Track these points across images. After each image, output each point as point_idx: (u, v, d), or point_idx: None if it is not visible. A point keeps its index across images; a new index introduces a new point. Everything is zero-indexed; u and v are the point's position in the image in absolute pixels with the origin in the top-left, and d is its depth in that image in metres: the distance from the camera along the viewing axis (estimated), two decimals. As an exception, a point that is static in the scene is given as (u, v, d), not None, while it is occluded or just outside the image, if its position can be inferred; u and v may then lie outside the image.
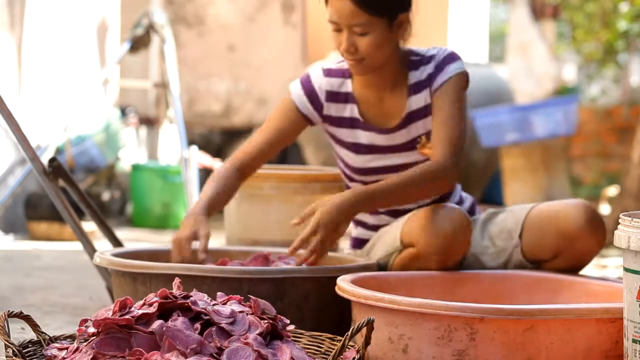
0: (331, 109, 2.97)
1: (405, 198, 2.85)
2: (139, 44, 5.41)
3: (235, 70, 8.97)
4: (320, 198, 3.45)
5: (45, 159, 3.52)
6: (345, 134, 2.98)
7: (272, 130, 2.97)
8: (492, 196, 7.62)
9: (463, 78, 2.92)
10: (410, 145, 2.95)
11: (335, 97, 2.97)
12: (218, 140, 9.32)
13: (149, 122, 8.31)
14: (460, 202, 3.08)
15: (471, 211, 3.09)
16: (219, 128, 9.17)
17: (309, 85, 2.98)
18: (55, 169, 3.38)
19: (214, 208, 2.90)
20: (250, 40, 8.96)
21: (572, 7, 11.31)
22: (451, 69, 2.91)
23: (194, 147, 5.55)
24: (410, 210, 2.94)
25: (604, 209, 8.38)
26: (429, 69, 2.92)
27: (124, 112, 7.59)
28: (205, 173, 7.68)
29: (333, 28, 2.82)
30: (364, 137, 2.96)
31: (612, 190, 8.94)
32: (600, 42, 11.07)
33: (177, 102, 5.46)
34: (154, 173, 7.07)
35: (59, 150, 6.19)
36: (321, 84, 2.98)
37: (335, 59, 3.04)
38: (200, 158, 7.33)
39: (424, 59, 2.94)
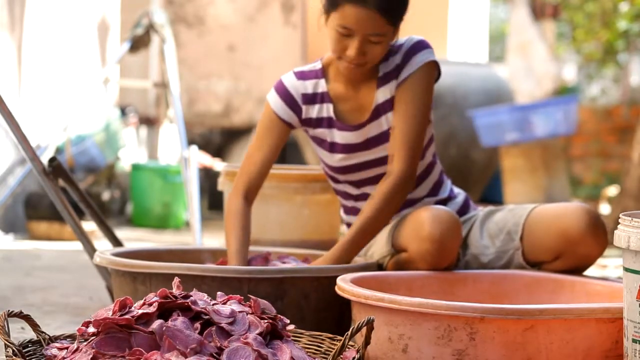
0: (309, 112, 2.97)
1: (379, 227, 2.86)
2: (139, 43, 5.41)
3: (235, 70, 8.98)
4: (320, 198, 3.46)
5: (45, 159, 3.52)
6: (323, 134, 2.98)
7: (264, 147, 2.95)
8: (492, 196, 7.62)
9: (431, 68, 2.90)
10: (383, 139, 2.93)
11: (311, 99, 2.96)
12: (218, 140, 9.32)
13: (149, 122, 8.32)
14: (451, 197, 3.07)
15: (465, 207, 3.08)
16: (219, 128, 9.17)
17: (285, 91, 2.96)
18: (55, 169, 3.38)
19: (245, 256, 2.88)
20: (250, 40, 8.96)
21: (572, 7, 11.31)
22: (418, 60, 2.89)
23: (194, 147, 5.55)
24: (403, 209, 2.95)
25: (604, 209, 8.38)
26: (396, 59, 2.91)
27: (124, 112, 7.60)
28: (205, 173, 7.70)
29: (343, 32, 2.78)
30: (338, 136, 2.95)
31: (612, 190, 8.95)
32: (600, 42, 11.08)
33: (177, 101, 5.46)
34: (154, 173, 7.08)
35: (59, 150, 6.20)
36: (296, 87, 2.96)
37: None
38: (200, 158, 7.35)
39: (393, 49, 2.92)
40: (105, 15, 7.48)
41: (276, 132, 2.96)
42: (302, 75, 2.98)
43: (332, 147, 2.97)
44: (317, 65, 2.98)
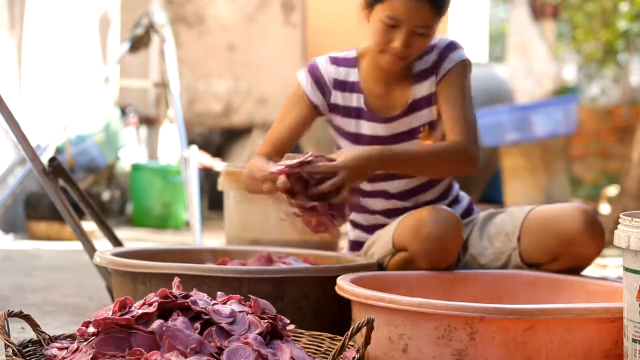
0: (338, 98, 2.97)
1: (426, 167, 2.84)
2: (139, 43, 5.41)
3: (235, 70, 8.98)
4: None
5: (45, 159, 3.52)
6: (349, 123, 2.98)
7: (287, 125, 2.95)
8: (492, 196, 7.62)
9: (467, 65, 2.95)
10: (411, 135, 2.95)
11: (342, 85, 2.97)
12: (218, 140, 9.32)
13: (149, 122, 8.32)
14: (456, 201, 3.07)
15: (468, 210, 3.09)
16: (219, 128, 9.17)
17: (316, 73, 2.97)
18: (55, 169, 3.38)
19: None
20: (250, 40, 8.96)
21: (572, 7, 11.31)
22: (455, 57, 2.93)
23: (194, 147, 5.55)
24: (406, 211, 2.95)
25: (604, 209, 8.38)
26: (432, 57, 2.94)
27: (124, 112, 7.60)
28: (205, 173, 7.70)
29: (389, 23, 2.79)
30: (366, 127, 2.95)
31: (612, 190, 8.95)
32: (600, 42, 11.08)
33: (177, 101, 5.46)
34: (154, 173, 7.08)
35: (59, 150, 6.20)
36: (329, 71, 2.97)
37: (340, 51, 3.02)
38: (200, 158, 7.34)
39: (427, 48, 2.94)
40: (105, 15, 7.48)
41: (302, 108, 2.96)
42: (335, 61, 2.98)
43: (357, 139, 2.97)
44: (352, 54, 2.99)
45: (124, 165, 7.46)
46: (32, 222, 5.97)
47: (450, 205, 3.04)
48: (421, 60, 2.94)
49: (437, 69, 2.93)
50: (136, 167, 7.18)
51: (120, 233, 4.12)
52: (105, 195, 6.71)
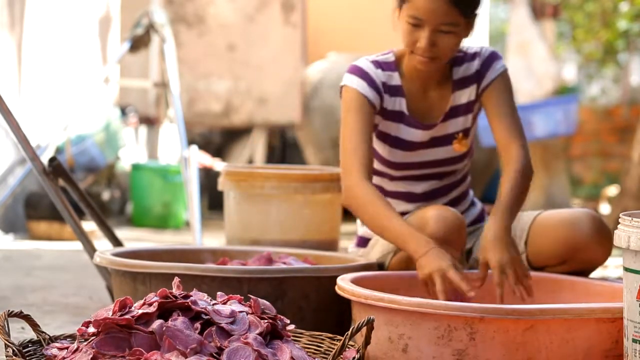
0: (386, 101, 2.93)
1: (520, 203, 2.80)
2: (139, 43, 5.41)
3: (235, 70, 8.97)
4: (320, 198, 3.46)
5: (45, 159, 3.52)
6: (390, 127, 2.94)
7: (363, 129, 2.85)
8: (492, 196, 7.59)
9: (508, 76, 2.96)
10: (445, 141, 2.94)
11: (389, 89, 2.93)
12: (218, 139, 9.32)
13: (149, 122, 8.32)
14: (472, 205, 3.08)
15: (480, 217, 3.10)
16: (219, 128, 9.17)
17: (367, 75, 2.91)
18: (55, 169, 3.38)
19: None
20: (250, 40, 8.96)
21: (572, 7, 11.32)
22: (499, 66, 2.93)
23: (194, 147, 5.55)
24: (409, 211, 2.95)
25: (604, 209, 8.38)
26: (474, 65, 2.93)
27: (124, 112, 7.60)
28: (205, 173, 7.70)
29: (413, 23, 2.77)
30: (405, 132, 2.93)
31: (612, 190, 8.95)
32: (600, 42, 11.08)
33: (177, 101, 5.46)
34: (154, 172, 7.08)
35: (59, 150, 6.20)
36: (377, 75, 2.92)
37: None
38: (200, 158, 7.34)
39: (467, 56, 2.94)
40: (105, 15, 7.48)
41: (369, 117, 2.86)
42: (379, 65, 2.94)
43: (395, 142, 2.94)
44: (390, 57, 2.95)
45: (124, 165, 7.45)
46: (32, 222, 5.97)
47: (466, 208, 3.05)
48: (462, 67, 2.93)
49: (480, 78, 2.92)
50: (136, 167, 7.18)
51: (120, 233, 4.12)
52: (105, 195, 6.71)
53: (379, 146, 2.97)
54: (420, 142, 2.94)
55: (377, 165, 2.99)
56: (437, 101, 2.94)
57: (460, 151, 2.93)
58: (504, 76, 2.93)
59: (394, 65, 2.94)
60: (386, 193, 3.00)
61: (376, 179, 3.01)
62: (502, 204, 2.72)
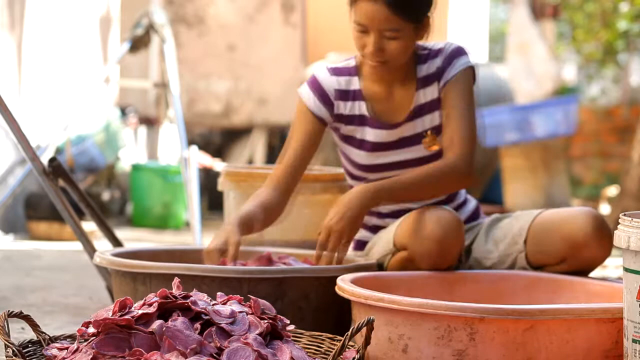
0: (341, 108, 2.96)
1: (421, 193, 2.86)
2: (139, 43, 5.41)
3: (235, 70, 8.98)
4: (320, 198, 3.46)
5: (45, 159, 3.52)
6: (353, 131, 2.97)
7: (297, 142, 2.95)
8: (492, 196, 7.62)
9: (471, 72, 2.94)
10: (415, 140, 2.94)
11: (344, 95, 2.96)
12: (218, 140, 9.32)
13: (149, 122, 8.32)
14: (464, 203, 3.07)
15: (475, 214, 3.09)
16: (219, 128, 9.17)
17: (318, 86, 2.96)
18: (55, 169, 3.38)
19: (249, 220, 2.85)
20: (250, 40, 8.96)
21: (572, 7, 11.32)
22: (460, 63, 2.92)
23: (194, 147, 5.55)
24: (409, 211, 2.94)
25: (604, 209, 8.38)
26: (437, 62, 2.93)
27: (124, 112, 7.60)
28: (205, 173, 7.70)
29: (359, 29, 2.80)
30: (371, 134, 2.95)
31: (612, 190, 8.95)
32: (600, 42, 11.09)
33: (177, 102, 5.46)
34: (154, 173, 7.08)
35: (59, 150, 6.20)
36: (330, 83, 2.96)
37: (337, 59, 3.04)
38: (200, 158, 7.35)
39: (432, 53, 2.95)
40: (105, 15, 7.48)
41: (307, 126, 2.95)
42: (335, 71, 2.98)
43: (362, 145, 2.97)
44: (351, 62, 2.98)
45: (124, 165, 7.46)
46: (32, 223, 5.97)
47: (457, 208, 3.04)
48: (426, 65, 2.94)
49: (442, 75, 2.92)
50: (136, 167, 7.18)
51: (120, 233, 4.12)
52: (105, 196, 6.71)
53: (348, 150, 3.00)
54: (387, 143, 2.95)
55: (353, 170, 3.02)
56: (401, 101, 2.95)
57: (433, 150, 2.92)
58: (464, 73, 2.92)
59: (354, 70, 2.97)
60: (370, 210, 3.01)
61: (355, 183, 3.04)
62: (393, 178, 2.84)
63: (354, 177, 3.04)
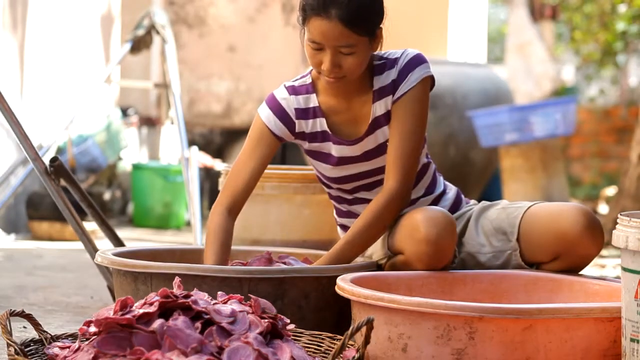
0: (302, 126, 2.93)
1: (372, 238, 2.86)
2: (140, 44, 5.42)
3: (236, 70, 8.98)
4: (320, 198, 3.47)
5: (46, 159, 3.53)
6: (318, 147, 2.95)
7: (252, 160, 2.92)
8: (491, 196, 7.63)
9: (427, 82, 2.90)
10: (381, 150, 2.92)
11: (304, 113, 2.93)
12: (218, 140, 9.33)
13: (150, 122, 8.33)
14: (443, 193, 3.07)
15: (457, 201, 3.08)
16: (220, 128, 9.18)
17: (278, 106, 2.93)
18: (57, 169, 3.39)
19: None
20: (250, 41, 8.97)
21: (570, 8, 11.32)
22: (414, 77, 2.87)
23: (195, 147, 5.56)
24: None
25: (603, 209, 8.39)
26: (392, 74, 2.89)
27: (125, 112, 7.61)
28: (205, 173, 7.71)
29: (313, 47, 2.76)
30: (334, 149, 2.93)
31: (611, 190, 8.97)
32: (598, 43, 11.09)
33: (178, 102, 5.47)
34: (155, 173, 7.09)
35: (61, 150, 6.21)
36: (289, 102, 2.93)
37: (299, 75, 3.01)
38: (200, 158, 7.36)
39: (388, 63, 2.91)
40: (106, 15, 7.49)
41: (266, 146, 2.92)
42: (293, 90, 2.94)
43: (329, 159, 2.96)
44: (307, 79, 2.95)
45: (125, 165, 7.47)
46: (34, 222, 5.98)
47: (437, 199, 3.03)
48: (383, 76, 2.90)
49: (394, 89, 2.88)
50: (137, 167, 7.19)
51: (121, 233, 4.13)
52: (107, 195, 6.72)
53: (316, 164, 2.99)
54: (353, 157, 2.94)
55: (326, 181, 3.01)
56: (359, 113, 2.92)
57: None
58: (418, 87, 2.87)
59: (311, 87, 2.94)
60: (349, 201, 3.02)
61: (333, 191, 3.04)
62: (337, 247, 2.85)
63: (328, 186, 3.04)
